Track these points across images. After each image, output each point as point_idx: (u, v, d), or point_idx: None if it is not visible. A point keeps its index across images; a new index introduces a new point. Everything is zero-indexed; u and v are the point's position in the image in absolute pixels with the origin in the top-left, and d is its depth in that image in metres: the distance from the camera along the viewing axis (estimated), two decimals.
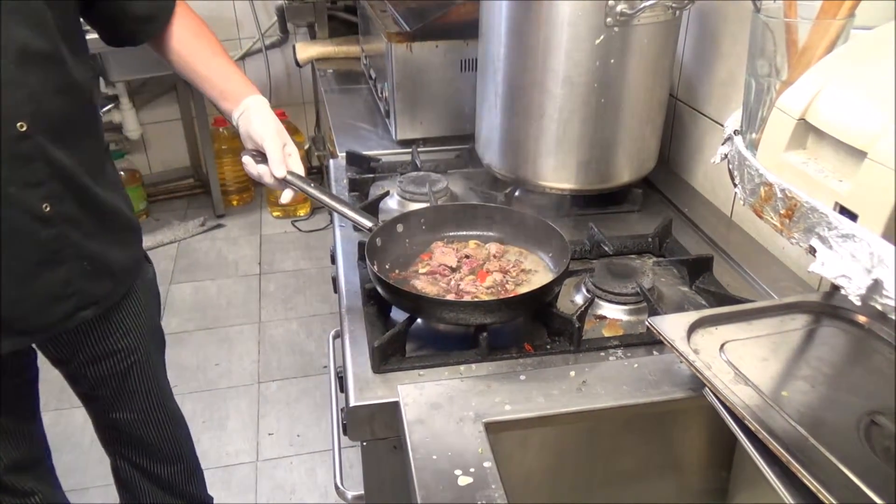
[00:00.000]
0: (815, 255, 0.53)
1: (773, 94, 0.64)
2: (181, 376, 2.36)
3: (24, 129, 0.94)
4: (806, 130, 0.58)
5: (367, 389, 0.86)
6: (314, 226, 3.37)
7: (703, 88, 1.38)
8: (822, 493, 0.63)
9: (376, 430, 0.87)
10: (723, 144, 0.70)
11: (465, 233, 1.14)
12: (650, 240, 1.18)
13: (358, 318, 1.00)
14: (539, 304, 0.95)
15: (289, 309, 2.76)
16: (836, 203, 0.53)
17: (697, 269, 1.09)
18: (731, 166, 0.67)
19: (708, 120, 1.37)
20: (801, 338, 0.88)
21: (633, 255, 1.18)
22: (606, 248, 1.15)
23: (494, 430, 0.78)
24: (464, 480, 0.70)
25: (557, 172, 1.27)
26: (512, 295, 0.97)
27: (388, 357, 0.90)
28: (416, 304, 0.94)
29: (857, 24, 0.61)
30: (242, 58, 3.36)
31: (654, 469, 0.91)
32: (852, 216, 0.51)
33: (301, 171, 1.06)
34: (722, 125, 1.32)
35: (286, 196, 1.06)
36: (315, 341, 2.58)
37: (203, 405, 2.28)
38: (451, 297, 0.96)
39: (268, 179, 1.05)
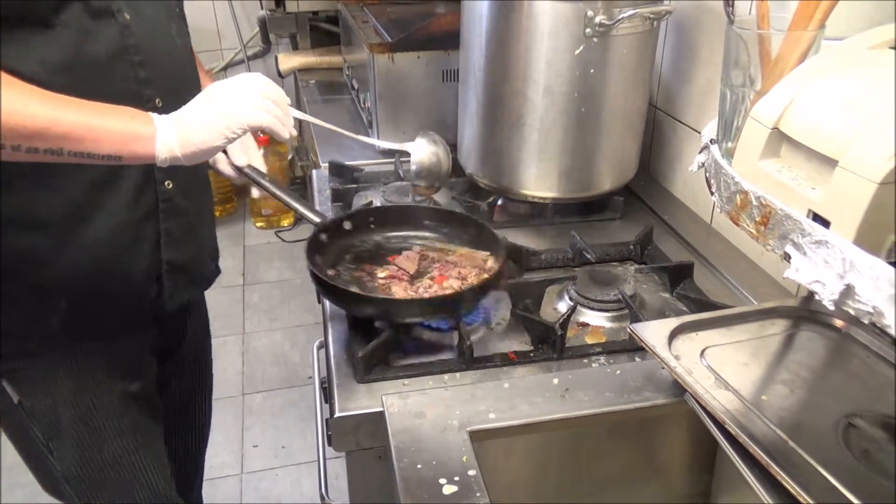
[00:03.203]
0: (789, 262, 0.54)
1: (748, 104, 0.66)
2: None
3: None
4: (780, 139, 0.59)
5: (352, 399, 0.86)
6: (298, 236, 3.36)
7: (682, 97, 1.40)
8: (802, 495, 0.64)
9: (361, 441, 0.87)
10: (699, 153, 0.71)
11: (412, 233, 1.15)
12: (632, 247, 1.19)
13: (342, 328, 1.00)
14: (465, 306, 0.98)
15: (273, 320, 2.75)
16: (810, 210, 0.54)
17: (678, 276, 1.10)
18: (707, 175, 0.68)
19: (687, 128, 1.39)
20: (781, 342, 0.89)
21: (614, 263, 1.20)
22: (589, 256, 1.16)
23: (479, 438, 0.78)
24: (449, 489, 0.70)
25: (539, 181, 1.28)
26: (431, 296, 0.99)
27: (372, 367, 0.90)
28: (345, 299, 0.96)
29: (828, 35, 0.62)
30: (225, 69, 3.36)
31: (638, 474, 0.92)
32: (825, 223, 0.52)
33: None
34: (700, 133, 1.34)
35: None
36: (300, 352, 2.57)
37: None
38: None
39: (222, 167, 1.08)
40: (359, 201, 1.38)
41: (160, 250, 1.05)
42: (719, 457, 0.90)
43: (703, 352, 0.86)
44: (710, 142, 0.69)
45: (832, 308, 0.49)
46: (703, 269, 1.16)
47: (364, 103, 1.73)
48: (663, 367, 0.90)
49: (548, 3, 1.12)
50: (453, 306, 0.95)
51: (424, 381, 0.89)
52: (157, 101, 0.98)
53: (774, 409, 0.76)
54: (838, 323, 0.91)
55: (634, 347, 0.95)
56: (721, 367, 0.83)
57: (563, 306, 1.07)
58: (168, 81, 1.00)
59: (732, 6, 0.63)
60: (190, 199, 1.07)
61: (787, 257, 0.54)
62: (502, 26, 1.19)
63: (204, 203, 1.16)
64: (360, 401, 0.86)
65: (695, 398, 0.78)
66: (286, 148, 3.52)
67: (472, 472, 0.72)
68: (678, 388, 0.85)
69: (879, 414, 0.77)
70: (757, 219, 0.58)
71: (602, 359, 0.94)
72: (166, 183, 1.02)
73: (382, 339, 0.91)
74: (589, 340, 0.99)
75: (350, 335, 0.98)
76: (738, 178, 0.60)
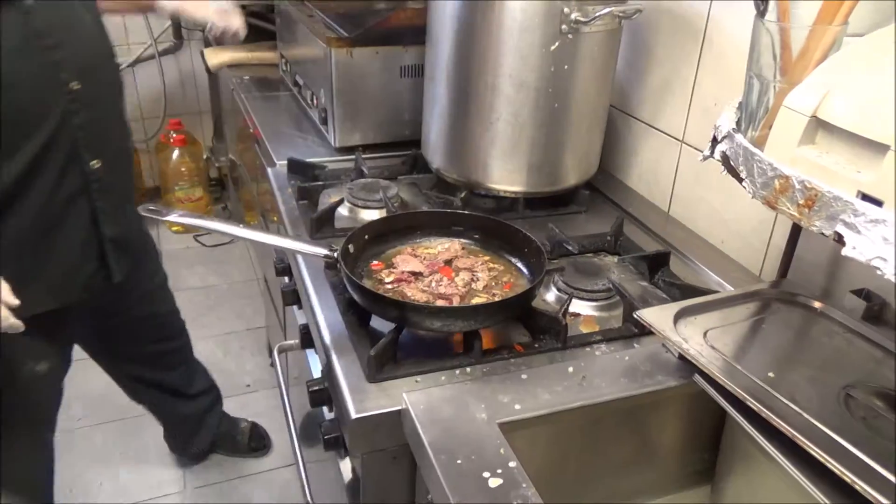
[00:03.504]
0: (840, 241, 0.57)
1: (772, 94, 0.69)
2: (89, 406, 2.18)
3: None
4: (816, 127, 0.63)
5: (367, 400, 0.84)
6: (219, 240, 3.22)
7: (637, 94, 1.45)
8: (832, 464, 0.68)
9: (377, 442, 0.84)
10: (720, 142, 0.74)
11: (431, 239, 1.13)
12: (609, 238, 1.22)
13: (338, 330, 0.97)
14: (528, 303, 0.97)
15: (201, 327, 2.62)
16: (859, 191, 0.57)
17: (656, 265, 1.14)
18: (734, 163, 0.71)
19: (641, 124, 1.45)
20: (771, 323, 0.94)
21: (589, 254, 1.22)
22: (570, 248, 1.18)
23: (507, 430, 0.78)
24: (494, 482, 0.70)
25: (510, 175, 1.29)
26: (511, 296, 0.97)
27: (382, 366, 0.88)
28: (404, 313, 0.90)
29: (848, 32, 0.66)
30: (133, 64, 3.17)
31: (642, 457, 0.95)
32: (877, 203, 0.56)
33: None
34: (656, 129, 1.39)
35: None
36: (234, 360, 2.47)
37: (117, 436, 2.11)
38: (441, 302, 0.95)
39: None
40: (325, 199, 1.34)
41: (96, 228, 1.11)
42: (726, 434, 0.94)
43: (705, 334, 0.90)
44: (732, 131, 0.72)
45: None
46: (673, 256, 1.21)
47: (313, 100, 1.68)
48: (667, 352, 0.93)
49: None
50: (520, 304, 0.94)
51: (437, 377, 0.88)
52: (73, 83, 1.01)
53: (783, 386, 0.80)
54: (815, 304, 0.98)
55: (631, 334, 0.98)
56: (725, 348, 0.87)
57: (550, 297, 1.08)
58: (83, 60, 1.02)
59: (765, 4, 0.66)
60: (117, 174, 1.12)
61: (838, 237, 0.57)
62: (477, 21, 1.19)
63: (129, 176, 1.23)
64: (377, 400, 0.84)
65: (709, 378, 0.82)
66: (201, 147, 3.37)
67: (512, 464, 0.72)
68: (686, 370, 0.88)
69: (871, 385, 0.83)
70: (800, 202, 0.61)
71: (603, 346, 0.96)
72: (93, 163, 1.06)
73: (391, 336, 0.89)
74: (584, 329, 1.01)
75: (350, 335, 0.95)
76: (777, 164, 0.63)
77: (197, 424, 1.93)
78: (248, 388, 2.32)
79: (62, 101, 1.00)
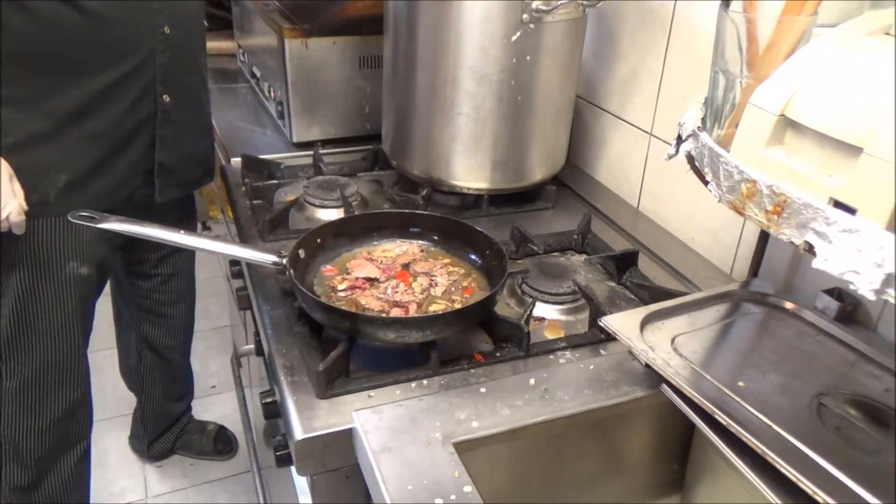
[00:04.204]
0: (811, 252, 0.53)
1: (738, 90, 0.65)
2: None
3: None
4: (784, 126, 0.58)
5: (315, 418, 0.79)
6: None
7: (604, 86, 1.40)
8: (803, 482, 0.64)
9: (328, 462, 0.79)
10: (685, 141, 0.70)
11: (388, 241, 1.08)
12: (576, 237, 1.17)
13: (288, 339, 0.91)
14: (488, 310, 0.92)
15: None
16: (831, 198, 0.53)
17: (624, 264, 1.10)
18: (699, 164, 0.66)
19: (610, 116, 1.40)
20: (741, 327, 0.90)
21: (555, 253, 1.18)
22: (535, 248, 1.13)
23: (463, 449, 0.74)
24: None
25: (473, 172, 1.24)
26: (468, 305, 0.92)
27: (333, 380, 0.83)
28: (355, 324, 0.85)
29: (818, 23, 0.62)
30: None
31: (612, 469, 0.91)
32: (850, 210, 0.51)
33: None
34: (624, 120, 1.35)
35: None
36: (199, 360, 2.39)
37: None
38: (396, 311, 0.90)
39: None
40: (281, 198, 1.28)
41: (153, 151, 1.30)
42: (694, 446, 0.90)
43: (673, 340, 0.86)
44: (697, 129, 0.68)
45: (872, 297, 0.48)
46: (642, 255, 1.17)
47: (270, 92, 1.61)
48: (634, 359, 0.89)
49: None
50: (479, 313, 0.90)
51: (391, 392, 0.83)
52: (165, 28, 1.22)
53: (753, 395, 0.77)
54: (787, 305, 0.94)
55: (597, 340, 0.94)
56: (693, 356, 0.83)
57: (513, 300, 1.04)
58: (178, 11, 1.23)
59: None
60: (182, 112, 1.30)
61: (808, 247, 0.53)
62: (434, 12, 1.13)
63: (194, 117, 1.37)
64: (326, 419, 0.78)
65: (676, 389, 0.78)
66: None
67: (467, 489, 0.68)
68: (652, 380, 0.84)
69: (845, 393, 0.79)
70: (768, 208, 0.57)
71: (567, 353, 0.91)
72: (164, 96, 1.26)
73: (343, 348, 0.84)
74: (548, 335, 0.97)
75: (300, 347, 0.89)
76: (743, 167, 0.59)
77: (169, 424, 1.97)
78: (214, 390, 2.26)
79: (153, 41, 1.21)
